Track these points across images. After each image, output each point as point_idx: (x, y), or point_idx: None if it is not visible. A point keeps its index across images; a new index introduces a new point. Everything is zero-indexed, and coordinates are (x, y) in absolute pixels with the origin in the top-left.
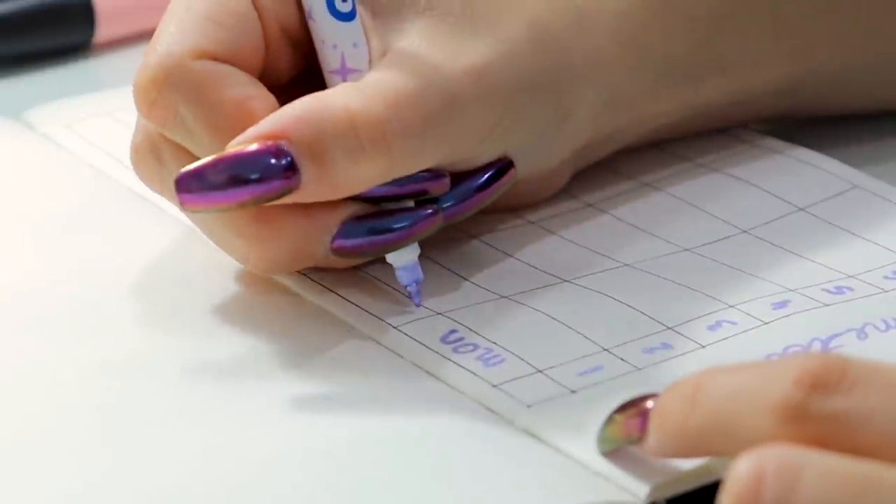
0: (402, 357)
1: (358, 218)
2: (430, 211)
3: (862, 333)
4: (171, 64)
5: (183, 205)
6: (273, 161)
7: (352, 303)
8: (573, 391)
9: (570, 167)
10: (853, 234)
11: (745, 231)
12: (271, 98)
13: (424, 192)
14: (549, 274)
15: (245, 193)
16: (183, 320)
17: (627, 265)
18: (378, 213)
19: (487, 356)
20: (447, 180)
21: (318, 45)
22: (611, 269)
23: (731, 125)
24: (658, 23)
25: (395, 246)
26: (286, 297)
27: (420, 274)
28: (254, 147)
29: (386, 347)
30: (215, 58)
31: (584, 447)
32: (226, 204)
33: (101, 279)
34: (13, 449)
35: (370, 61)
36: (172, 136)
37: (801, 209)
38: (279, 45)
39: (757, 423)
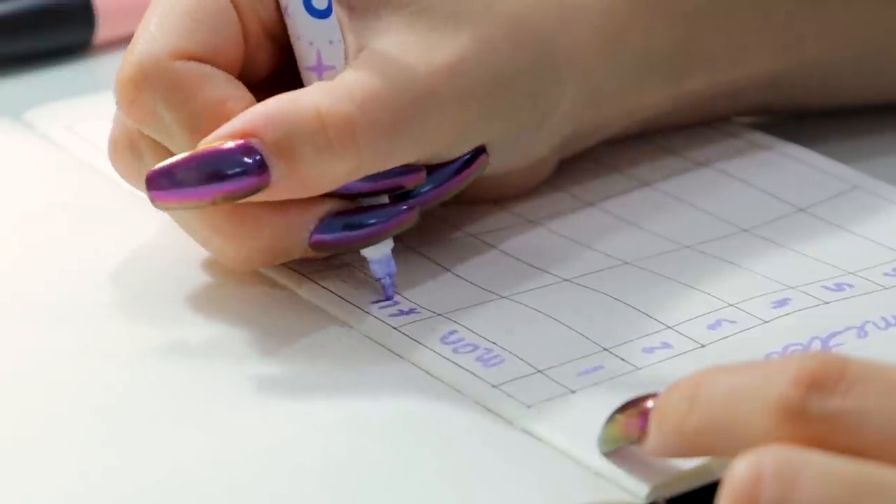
0: (401, 357)
1: (334, 214)
2: (404, 208)
3: (862, 332)
4: (150, 65)
5: (154, 202)
6: (243, 159)
7: (351, 303)
8: (573, 391)
9: (554, 157)
10: (853, 232)
11: (745, 230)
12: (250, 98)
13: (400, 187)
14: (549, 273)
15: (215, 191)
16: (185, 319)
17: (627, 263)
18: (354, 209)
19: (487, 356)
20: (423, 174)
21: (294, 42)
22: (611, 267)
23: (716, 118)
24: (641, 18)
25: (370, 242)
26: (283, 293)
27: (393, 266)
28: (224, 145)
29: (385, 347)
30: (195, 58)
31: (584, 447)
32: (196, 201)
33: (101, 279)
34: (12, 447)
35: (346, 58)
36: (151, 134)
37: (801, 209)
38: (258, 42)
39: (756, 424)
